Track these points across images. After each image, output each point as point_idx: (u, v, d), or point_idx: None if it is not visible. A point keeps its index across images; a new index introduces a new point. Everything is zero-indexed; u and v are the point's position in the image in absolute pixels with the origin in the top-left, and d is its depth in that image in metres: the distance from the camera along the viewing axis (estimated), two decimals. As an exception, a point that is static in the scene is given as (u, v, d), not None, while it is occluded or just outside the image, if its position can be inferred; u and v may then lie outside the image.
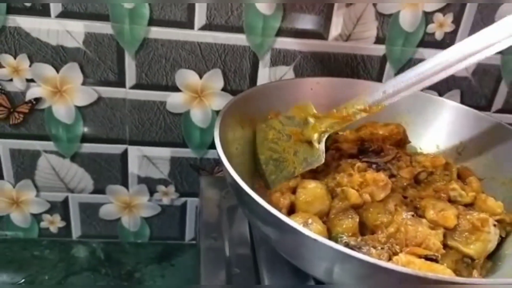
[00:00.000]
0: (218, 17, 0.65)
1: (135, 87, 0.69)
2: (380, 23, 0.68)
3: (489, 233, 0.46)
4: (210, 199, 0.66)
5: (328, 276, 0.39)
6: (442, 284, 0.33)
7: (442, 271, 0.42)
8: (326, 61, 0.70)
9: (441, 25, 0.68)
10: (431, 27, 0.68)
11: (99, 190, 0.77)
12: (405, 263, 0.41)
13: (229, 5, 0.64)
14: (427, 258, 0.44)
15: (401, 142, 0.59)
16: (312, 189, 0.48)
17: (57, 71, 0.66)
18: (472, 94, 0.74)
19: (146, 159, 0.75)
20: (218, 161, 0.76)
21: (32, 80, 0.67)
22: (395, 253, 0.44)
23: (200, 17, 0.65)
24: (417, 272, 0.32)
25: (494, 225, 0.47)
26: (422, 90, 0.72)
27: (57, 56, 0.65)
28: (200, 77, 0.69)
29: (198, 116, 0.72)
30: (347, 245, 0.44)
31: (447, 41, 0.69)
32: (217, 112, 0.71)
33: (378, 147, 0.56)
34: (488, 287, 0.33)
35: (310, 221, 0.44)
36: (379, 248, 0.44)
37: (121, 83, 0.68)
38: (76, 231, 0.80)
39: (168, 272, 0.79)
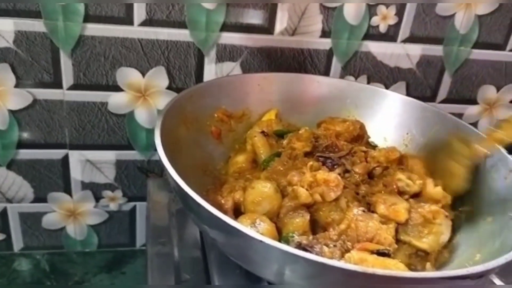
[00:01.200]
0: (159, 12, 0.62)
1: (72, 87, 0.65)
2: (325, 17, 0.67)
3: (441, 225, 0.46)
4: (159, 203, 0.63)
5: (278, 277, 0.38)
6: (391, 281, 0.32)
7: (395, 266, 0.42)
8: (273, 56, 0.69)
9: (384, 18, 0.68)
10: (375, 20, 0.68)
11: (40, 198, 0.72)
12: (357, 260, 0.41)
13: None
14: (379, 253, 0.44)
15: (359, 138, 0.59)
16: (260, 188, 0.46)
17: (-14, 73, 0.62)
18: (417, 86, 0.75)
19: (89, 164, 0.71)
20: (166, 163, 0.73)
21: (-42, 84, 0.62)
22: (348, 250, 0.43)
23: (139, 13, 0.62)
24: (365, 269, 0.31)
25: (446, 216, 0.47)
26: (368, 83, 0.73)
27: (-15, 57, 0.61)
28: (143, 75, 0.66)
29: (143, 116, 0.69)
30: (299, 244, 0.42)
31: (391, 34, 0.70)
32: (163, 111, 0.68)
33: (331, 143, 0.55)
34: (435, 281, 0.33)
35: (258, 221, 0.42)
36: (332, 245, 0.43)
37: (57, 84, 0.64)
38: (17, 244, 0.75)
39: (118, 280, 0.76)
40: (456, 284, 0.34)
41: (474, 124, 0.81)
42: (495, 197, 0.48)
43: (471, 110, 0.80)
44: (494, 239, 0.44)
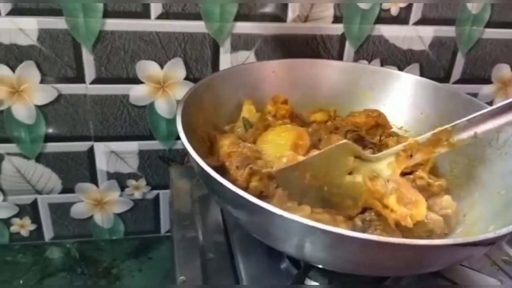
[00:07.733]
0: (174, 5, 0.64)
1: (95, 81, 0.68)
2: (337, 2, 0.68)
3: None
4: (181, 189, 0.66)
5: (300, 251, 0.40)
6: (404, 248, 0.34)
7: None
8: (286, 43, 0.70)
9: (395, 1, 0.69)
10: (386, 3, 0.69)
11: (68, 189, 0.76)
12: None
13: (185, -8, 0.64)
14: None
15: (378, 126, 0.61)
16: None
17: (13, 70, 0.65)
18: (431, 67, 0.76)
19: (114, 154, 0.74)
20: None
21: (-13, 82, 0.65)
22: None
23: (156, 6, 0.64)
24: (381, 238, 0.33)
25: None
26: (382, 67, 0.73)
27: (12, 55, 0.64)
28: (161, 67, 0.68)
29: (163, 107, 0.71)
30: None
31: (402, 16, 0.71)
32: (182, 101, 0.71)
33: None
34: (449, 247, 0.34)
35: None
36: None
37: (80, 79, 0.67)
38: (48, 233, 0.79)
39: (145, 265, 0.78)
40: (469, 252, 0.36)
41: (489, 103, 0.81)
42: (508, 170, 0.49)
43: (485, 89, 0.80)
44: (507, 211, 0.45)
